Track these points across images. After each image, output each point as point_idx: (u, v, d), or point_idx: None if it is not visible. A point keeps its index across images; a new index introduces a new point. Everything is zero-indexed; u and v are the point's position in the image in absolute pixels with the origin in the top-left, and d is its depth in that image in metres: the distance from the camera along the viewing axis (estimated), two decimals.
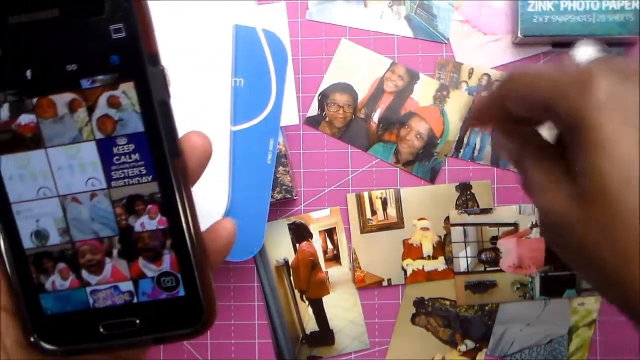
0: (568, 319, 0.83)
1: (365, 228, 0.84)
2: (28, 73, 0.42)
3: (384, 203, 0.84)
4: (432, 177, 0.84)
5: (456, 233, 0.84)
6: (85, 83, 0.42)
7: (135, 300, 0.46)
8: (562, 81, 0.42)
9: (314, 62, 0.84)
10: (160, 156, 0.43)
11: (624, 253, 0.39)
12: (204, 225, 0.46)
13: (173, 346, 0.84)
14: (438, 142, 0.84)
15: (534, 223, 0.83)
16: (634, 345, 0.82)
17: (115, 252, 0.45)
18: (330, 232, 0.84)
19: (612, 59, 0.42)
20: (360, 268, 0.83)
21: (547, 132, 0.49)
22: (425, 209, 0.84)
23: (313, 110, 0.85)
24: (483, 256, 0.83)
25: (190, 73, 0.70)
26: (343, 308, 0.83)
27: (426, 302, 0.84)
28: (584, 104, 0.40)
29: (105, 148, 0.43)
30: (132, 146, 0.43)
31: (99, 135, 0.43)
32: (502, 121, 0.53)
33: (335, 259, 0.84)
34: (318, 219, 0.84)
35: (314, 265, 0.84)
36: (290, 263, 0.84)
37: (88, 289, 0.45)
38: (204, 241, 0.46)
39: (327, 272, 0.84)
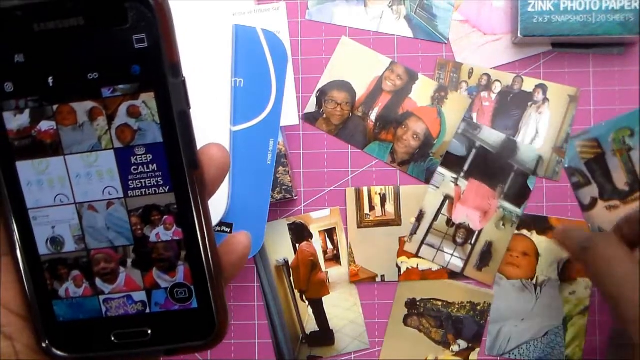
0: (561, 309, 0.83)
1: (362, 223, 0.84)
2: (50, 80, 0.42)
3: (383, 199, 0.84)
4: (427, 177, 0.84)
5: (427, 253, 0.84)
6: (106, 92, 0.42)
7: (147, 311, 0.46)
8: None
9: (313, 62, 0.84)
10: (178, 167, 0.43)
11: None
12: None
13: None
14: (434, 142, 0.84)
15: (454, 179, 0.84)
16: None
17: (129, 261, 0.45)
18: (330, 232, 0.84)
19: None
20: (354, 262, 0.84)
21: None
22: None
23: (311, 107, 0.84)
24: (458, 239, 0.84)
25: (190, 73, 0.70)
26: (343, 308, 0.84)
27: (418, 303, 0.84)
28: None
29: (124, 157, 0.43)
30: (150, 156, 0.43)
31: (117, 144, 0.43)
32: None
33: (335, 259, 0.84)
34: (318, 219, 0.84)
35: (314, 266, 0.84)
36: (290, 263, 0.84)
37: (101, 298, 0.45)
38: (218, 254, 0.45)
39: (327, 272, 0.84)
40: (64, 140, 0.43)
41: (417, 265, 0.83)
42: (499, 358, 0.81)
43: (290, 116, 0.78)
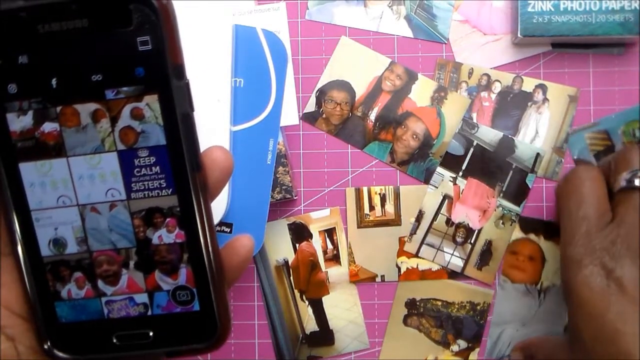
0: (563, 316, 0.82)
1: (362, 223, 0.84)
2: (53, 82, 0.42)
3: (383, 199, 0.84)
4: (426, 177, 0.83)
5: (427, 253, 0.84)
6: (109, 94, 0.42)
7: (149, 313, 0.46)
8: None
9: (313, 62, 0.84)
10: (181, 170, 0.43)
11: None
12: None
13: None
14: (434, 143, 0.84)
15: (452, 178, 0.84)
16: None
17: (132, 263, 0.45)
18: (330, 232, 0.84)
19: None
20: (354, 262, 0.84)
21: None
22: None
23: (310, 106, 0.84)
24: (458, 239, 0.84)
25: (190, 73, 0.70)
26: (343, 308, 0.84)
27: (418, 303, 0.84)
28: None
29: (127, 159, 0.43)
30: (153, 158, 0.43)
31: (121, 147, 0.43)
32: None
33: (335, 259, 0.84)
34: (318, 219, 0.84)
35: (314, 266, 0.84)
36: (290, 263, 0.84)
37: (103, 299, 0.46)
38: (221, 257, 0.46)
39: (327, 272, 0.84)
40: (67, 142, 0.43)
41: (417, 265, 0.83)
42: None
43: (290, 116, 0.78)
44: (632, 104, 0.81)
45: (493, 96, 0.83)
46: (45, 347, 0.45)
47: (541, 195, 0.82)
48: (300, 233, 0.84)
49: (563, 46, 0.82)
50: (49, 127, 0.43)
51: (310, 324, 0.84)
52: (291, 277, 0.84)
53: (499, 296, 0.83)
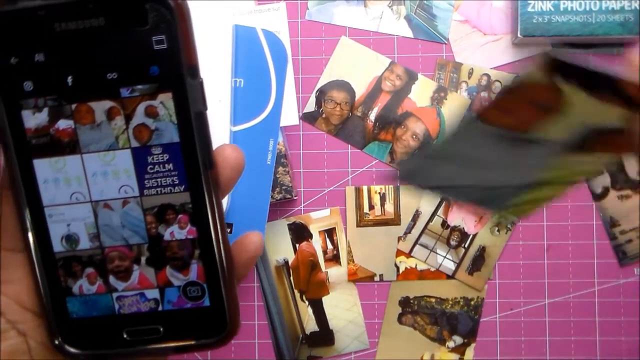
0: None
1: (361, 222, 0.84)
2: (69, 79, 0.42)
3: (383, 198, 0.84)
4: None
5: (420, 253, 0.84)
6: (124, 92, 0.42)
7: (160, 308, 0.46)
8: None
9: (313, 62, 0.84)
10: (194, 167, 0.43)
11: None
12: None
13: None
14: (434, 143, 0.84)
15: None
16: (634, 347, 0.83)
17: (143, 259, 0.45)
18: (330, 233, 0.84)
19: None
20: (353, 261, 0.84)
21: None
22: None
23: (310, 106, 0.85)
24: (452, 242, 0.84)
25: None
26: (343, 308, 0.84)
27: (412, 301, 0.84)
28: None
29: (140, 156, 0.43)
30: (166, 156, 0.43)
31: (134, 144, 0.43)
32: None
33: (335, 259, 0.84)
34: (318, 219, 0.84)
35: (314, 266, 0.84)
36: (290, 263, 0.84)
37: (114, 295, 0.46)
38: (231, 253, 0.46)
39: (326, 272, 0.84)
40: (82, 139, 0.43)
41: (416, 265, 0.84)
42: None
43: (290, 116, 0.78)
44: None
45: (493, 96, 0.83)
46: (56, 342, 0.45)
47: None
48: (300, 233, 0.84)
49: (563, 46, 0.83)
50: (63, 124, 0.43)
51: (310, 324, 0.84)
52: (291, 277, 0.84)
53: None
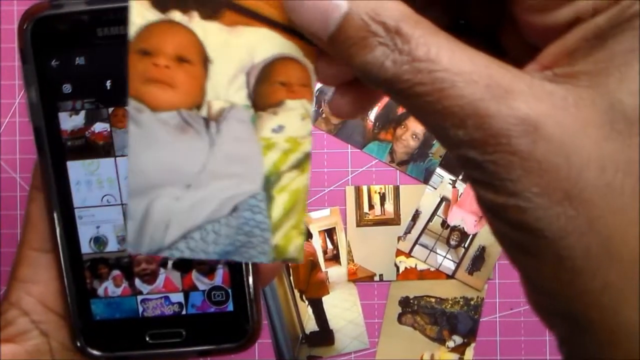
0: (259, 161, 0.36)
1: (361, 221, 0.84)
2: (108, 83, 0.42)
3: (382, 198, 0.84)
4: (426, 177, 0.84)
5: (420, 253, 0.85)
6: None
7: (184, 312, 0.46)
8: None
9: None
10: None
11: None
12: None
13: None
14: (433, 143, 0.84)
15: (452, 180, 0.85)
16: None
17: (170, 263, 0.46)
18: (330, 232, 0.84)
19: None
20: (353, 261, 0.84)
21: None
22: None
23: None
24: (452, 242, 0.84)
25: None
26: (343, 308, 0.84)
27: (412, 301, 0.85)
28: None
29: None
30: None
31: None
32: None
33: (335, 259, 0.84)
34: (318, 219, 0.84)
35: (314, 265, 0.84)
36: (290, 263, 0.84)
37: (139, 298, 0.46)
38: None
39: (326, 272, 0.84)
40: (116, 142, 0.43)
41: (416, 265, 0.84)
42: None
43: None
44: None
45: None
46: (79, 344, 0.46)
47: None
48: None
49: None
50: (99, 127, 0.43)
51: (310, 324, 0.84)
52: (291, 277, 0.84)
53: (132, 139, 0.35)
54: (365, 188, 0.84)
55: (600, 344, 0.28)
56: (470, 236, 0.84)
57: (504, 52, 0.35)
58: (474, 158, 0.27)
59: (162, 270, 0.45)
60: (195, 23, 0.33)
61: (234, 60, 0.34)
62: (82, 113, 0.43)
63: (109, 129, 0.43)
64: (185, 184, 0.35)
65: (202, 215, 0.35)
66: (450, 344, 0.85)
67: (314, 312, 0.84)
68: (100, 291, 0.46)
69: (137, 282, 0.46)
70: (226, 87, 0.34)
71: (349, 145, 0.84)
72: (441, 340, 0.85)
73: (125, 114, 0.43)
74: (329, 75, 0.35)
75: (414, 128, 0.84)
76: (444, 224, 0.84)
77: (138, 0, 0.31)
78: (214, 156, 0.35)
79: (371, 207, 0.84)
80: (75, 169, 0.44)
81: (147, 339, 0.46)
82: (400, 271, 0.84)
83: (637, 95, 0.26)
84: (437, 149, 0.84)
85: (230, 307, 0.46)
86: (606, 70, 0.26)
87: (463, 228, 0.84)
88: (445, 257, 0.84)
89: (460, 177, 0.83)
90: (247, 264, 0.45)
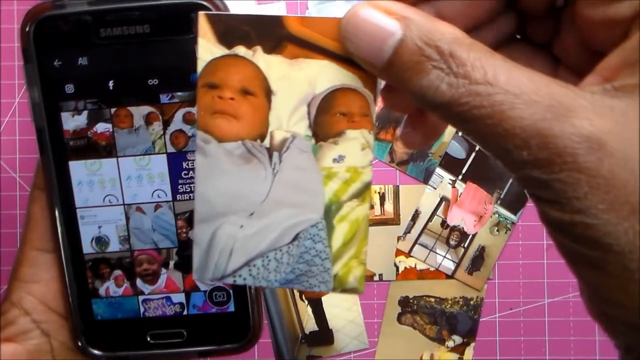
0: (320, 190, 0.38)
1: None
2: (110, 84, 0.42)
3: (382, 198, 0.84)
4: (426, 177, 0.84)
5: (420, 253, 0.85)
6: (164, 98, 0.43)
7: (185, 313, 0.46)
8: None
9: None
10: None
11: None
12: None
13: None
14: (433, 142, 0.84)
15: (451, 180, 0.85)
16: None
17: (172, 263, 0.46)
18: None
19: None
20: None
21: None
22: None
23: None
24: (451, 242, 0.84)
25: None
26: (342, 308, 0.84)
27: (411, 301, 0.85)
28: None
29: (176, 162, 0.44)
30: None
31: (171, 149, 0.44)
32: None
33: None
34: None
35: None
36: None
37: (140, 298, 0.46)
38: None
39: None
40: (119, 143, 0.44)
41: (415, 264, 0.84)
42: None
43: None
44: None
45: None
46: (80, 344, 0.46)
47: None
48: None
49: None
50: (102, 127, 0.43)
51: (310, 324, 0.84)
52: None
53: (199, 168, 0.37)
54: None
55: None
56: (470, 236, 0.84)
57: (557, 63, 0.36)
58: (539, 177, 0.27)
59: (163, 270, 0.46)
60: (259, 57, 0.35)
61: (295, 91, 0.36)
62: (85, 113, 0.43)
63: (111, 129, 0.43)
64: (248, 212, 0.37)
65: (265, 243, 0.37)
66: (450, 343, 0.85)
67: (313, 311, 0.84)
68: (102, 291, 0.46)
69: (139, 282, 0.46)
70: (288, 118, 0.36)
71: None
72: (441, 340, 0.85)
73: (127, 114, 0.43)
74: (398, 105, 0.36)
75: None
76: (444, 223, 0.84)
77: (204, 37, 0.34)
78: (276, 185, 0.37)
79: (371, 207, 0.84)
80: (78, 169, 0.44)
81: (149, 339, 0.46)
82: (400, 271, 0.84)
83: None
84: (437, 149, 0.84)
85: (231, 307, 0.46)
86: None
87: (463, 228, 0.84)
88: (444, 257, 0.84)
89: (460, 177, 0.83)
90: None
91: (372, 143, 0.36)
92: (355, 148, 0.36)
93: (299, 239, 0.37)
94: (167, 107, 0.43)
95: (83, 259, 0.45)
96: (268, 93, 0.35)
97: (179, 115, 0.43)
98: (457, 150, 0.84)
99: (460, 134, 0.83)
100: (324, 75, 0.35)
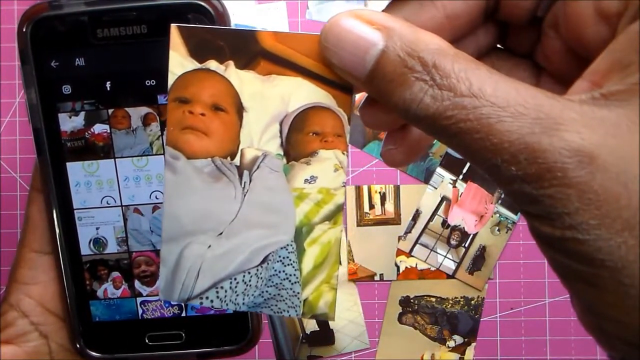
0: (291, 212, 0.37)
1: (361, 221, 0.84)
2: (107, 84, 0.42)
3: (383, 198, 0.84)
4: (426, 177, 0.84)
5: (420, 253, 0.84)
6: (162, 99, 0.43)
7: (183, 314, 0.46)
8: None
9: None
10: None
11: None
12: None
13: None
14: (434, 142, 0.84)
15: (452, 180, 0.85)
16: None
17: None
18: None
19: None
20: (353, 261, 0.84)
21: None
22: None
23: None
24: (452, 241, 0.84)
25: None
26: (343, 308, 0.84)
27: (412, 300, 0.85)
28: None
29: None
30: None
31: None
32: None
33: None
34: None
35: None
36: None
37: (139, 300, 0.46)
38: None
39: None
40: (116, 144, 0.44)
41: (416, 264, 0.84)
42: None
43: None
44: None
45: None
46: (78, 345, 0.46)
47: None
48: None
49: None
50: (99, 128, 0.43)
51: (311, 324, 0.84)
52: None
53: (168, 185, 0.36)
54: (365, 188, 0.84)
55: None
56: (471, 236, 0.84)
57: (539, 71, 0.35)
58: (528, 193, 0.26)
59: None
60: (231, 72, 0.34)
61: (268, 109, 0.34)
62: (82, 114, 0.43)
63: (108, 130, 0.43)
64: (217, 232, 0.36)
65: (233, 265, 0.36)
66: (451, 343, 0.85)
67: None
68: (100, 293, 0.46)
69: (137, 284, 0.46)
70: (260, 135, 0.35)
71: (349, 145, 0.84)
72: (441, 340, 0.85)
73: (125, 115, 0.43)
74: (377, 122, 0.35)
75: None
76: (445, 223, 0.84)
77: (176, 50, 0.33)
78: (246, 205, 0.36)
79: (371, 206, 0.84)
80: (75, 170, 0.44)
81: (147, 340, 0.46)
82: (401, 271, 0.84)
83: None
84: (438, 149, 0.84)
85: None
86: None
87: (463, 228, 0.84)
88: (445, 256, 0.84)
89: (461, 177, 0.83)
90: None
91: (345, 164, 0.35)
92: (327, 169, 0.35)
93: (268, 261, 0.36)
94: (165, 108, 0.43)
95: (81, 261, 0.45)
96: (240, 109, 0.34)
97: None
98: None
99: None
100: (298, 92, 0.34)
